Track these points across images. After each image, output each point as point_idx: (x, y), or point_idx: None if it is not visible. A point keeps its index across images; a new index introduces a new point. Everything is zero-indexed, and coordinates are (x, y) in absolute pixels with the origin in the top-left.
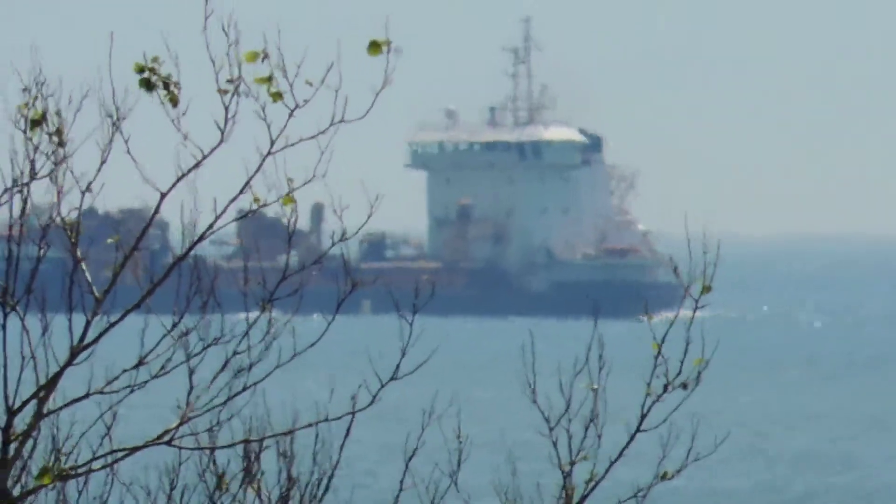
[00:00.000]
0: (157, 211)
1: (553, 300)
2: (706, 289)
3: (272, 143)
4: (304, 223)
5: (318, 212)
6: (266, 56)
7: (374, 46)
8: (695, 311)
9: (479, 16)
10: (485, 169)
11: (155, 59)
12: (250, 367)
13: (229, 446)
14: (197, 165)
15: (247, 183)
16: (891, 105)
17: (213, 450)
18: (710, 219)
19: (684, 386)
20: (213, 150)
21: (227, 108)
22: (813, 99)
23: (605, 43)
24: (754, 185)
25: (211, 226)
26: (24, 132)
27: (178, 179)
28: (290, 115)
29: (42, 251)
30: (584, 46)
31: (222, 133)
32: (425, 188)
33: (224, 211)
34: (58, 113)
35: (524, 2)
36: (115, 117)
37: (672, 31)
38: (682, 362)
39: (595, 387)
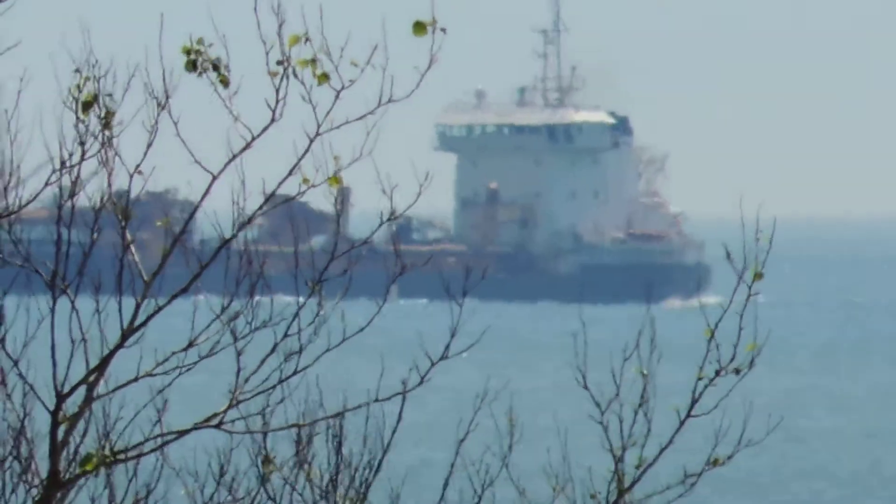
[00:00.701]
0: (207, 193)
1: (581, 284)
2: (758, 276)
3: (319, 125)
4: (329, 206)
5: (345, 195)
6: (308, 39)
7: (420, 27)
8: (748, 299)
9: None
10: (513, 152)
11: (200, 41)
12: (300, 350)
13: (279, 430)
14: (248, 146)
15: (295, 165)
16: None
17: (263, 434)
18: (761, 201)
19: (737, 371)
20: (264, 130)
21: (277, 90)
22: (846, 82)
23: (636, 24)
24: (791, 165)
25: (260, 207)
26: (76, 114)
27: (230, 161)
28: (337, 96)
29: (95, 235)
30: (614, 27)
31: (273, 113)
32: (453, 171)
33: (273, 193)
34: (109, 95)
35: None
36: (161, 98)
37: (702, 12)
38: (735, 347)
39: (645, 371)
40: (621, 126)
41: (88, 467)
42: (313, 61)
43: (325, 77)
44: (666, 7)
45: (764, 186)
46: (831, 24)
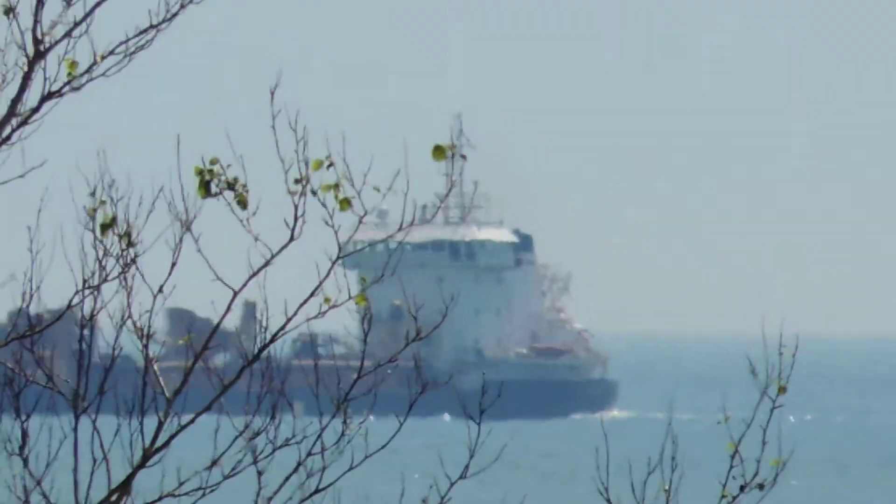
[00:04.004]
0: (228, 309)
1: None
2: (782, 390)
3: (340, 248)
4: (234, 322)
5: (250, 311)
6: (332, 164)
7: (439, 152)
8: (772, 412)
9: (411, 111)
10: (416, 269)
11: (214, 162)
12: (323, 469)
13: None
14: (267, 264)
15: (317, 287)
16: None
17: None
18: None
19: (761, 486)
20: (282, 248)
21: (296, 208)
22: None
23: (538, 141)
24: (697, 281)
25: (283, 327)
26: (94, 235)
27: (250, 278)
28: (360, 222)
29: (116, 353)
30: (516, 144)
31: (292, 232)
32: (356, 288)
33: (295, 313)
34: (126, 219)
35: (455, 98)
36: (184, 220)
37: (605, 128)
38: (758, 462)
39: (667, 488)
40: (524, 244)
41: None
42: (336, 186)
43: (347, 203)
44: (568, 124)
45: (671, 304)
46: (735, 128)
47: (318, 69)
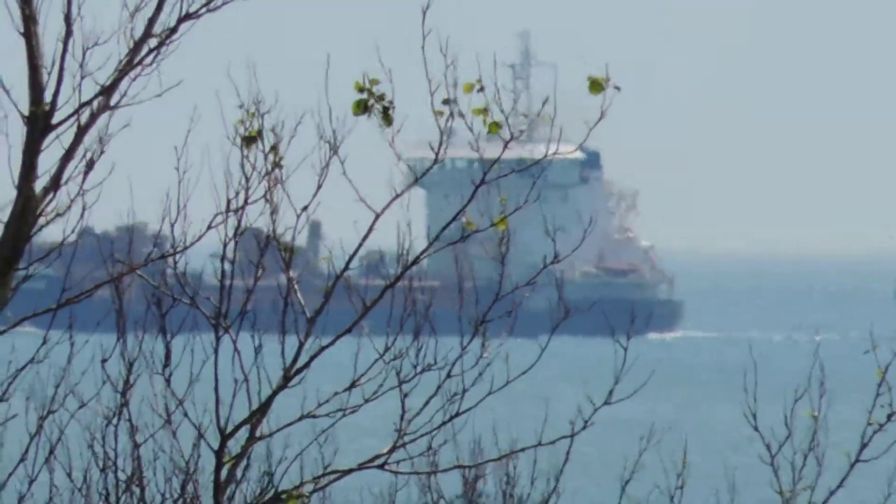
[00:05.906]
0: (371, 229)
1: (553, 319)
2: None
3: (484, 174)
4: (301, 240)
5: (315, 229)
6: (482, 88)
7: (596, 85)
8: None
9: (478, 30)
10: (484, 186)
11: (374, 82)
12: (464, 391)
13: (445, 471)
14: (411, 186)
15: (460, 211)
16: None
17: (428, 475)
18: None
19: None
20: (427, 170)
21: (441, 131)
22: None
23: (606, 57)
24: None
25: (424, 251)
26: (241, 150)
27: (393, 199)
28: (505, 147)
29: (259, 273)
30: (583, 62)
31: (436, 154)
32: (423, 205)
33: (437, 237)
34: (273, 129)
35: (523, 16)
36: (333, 142)
37: (672, 42)
38: None
39: (816, 414)
40: (591, 161)
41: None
42: (485, 110)
43: (496, 127)
44: (635, 38)
45: (735, 222)
46: (805, 51)
47: None
